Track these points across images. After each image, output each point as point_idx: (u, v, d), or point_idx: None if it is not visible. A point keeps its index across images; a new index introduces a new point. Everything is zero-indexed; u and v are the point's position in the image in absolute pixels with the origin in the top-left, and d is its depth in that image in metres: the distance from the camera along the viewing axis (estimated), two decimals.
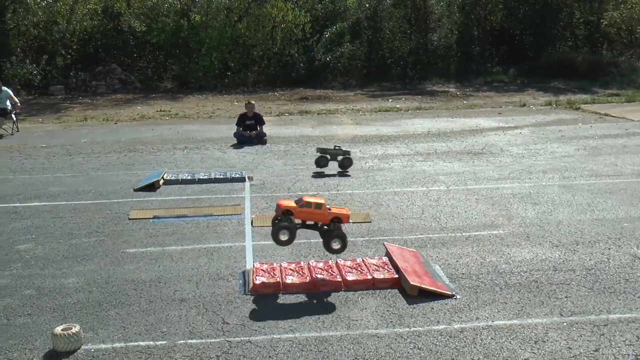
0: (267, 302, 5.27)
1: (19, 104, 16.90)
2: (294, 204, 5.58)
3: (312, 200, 5.60)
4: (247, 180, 9.77)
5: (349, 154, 10.58)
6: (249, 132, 13.56)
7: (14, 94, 16.77)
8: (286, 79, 27.66)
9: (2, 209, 8.45)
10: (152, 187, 9.34)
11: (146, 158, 12.00)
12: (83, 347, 4.58)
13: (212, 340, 4.65)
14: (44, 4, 30.18)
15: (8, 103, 16.02)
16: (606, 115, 17.33)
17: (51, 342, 4.57)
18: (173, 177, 9.86)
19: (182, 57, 28.39)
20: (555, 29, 32.44)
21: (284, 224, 5.53)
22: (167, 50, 29.21)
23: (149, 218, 7.79)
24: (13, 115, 16.18)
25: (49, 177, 10.48)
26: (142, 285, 5.68)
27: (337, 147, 10.67)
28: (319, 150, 10.61)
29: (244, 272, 5.92)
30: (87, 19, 29.75)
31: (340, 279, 5.57)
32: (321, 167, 10.43)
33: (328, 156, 10.49)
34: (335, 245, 5.58)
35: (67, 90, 26.24)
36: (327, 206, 5.63)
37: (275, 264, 5.92)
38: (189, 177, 9.84)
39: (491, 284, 5.61)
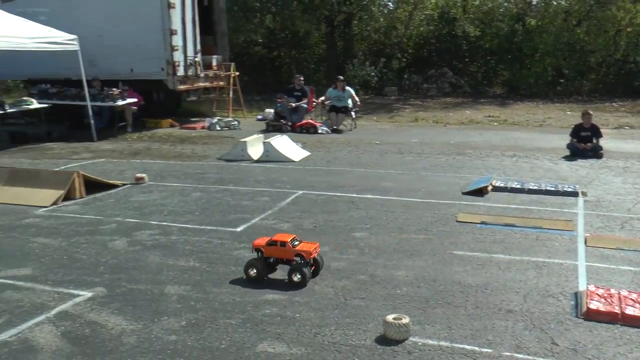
0: (602, 331, 4.87)
1: (358, 103, 18.35)
2: (264, 243, 6.10)
3: (278, 239, 6.08)
4: (580, 195, 9.20)
5: None
6: (584, 145, 12.74)
7: (355, 94, 18.24)
8: (627, 89, 25.41)
9: (342, 198, 9.23)
10: (480, 192, 9.34)
11: (474, 162, 12.06)
12: (411, 338, 4.76)
13: (540, 359, 4.47)
14: (385, 11, 32.33)
15: (350, 102, 17.51)
16: None
17: (382, 328, 4.83)
18: (501, 184, 9.72)
19: (514, 62, 27.94)
20: None
21: (252, 260, 6.06)
22: (498, 55, 29.03)
23: (477, 223, 7.80)
24: (353, 113, 17.61)
25: (381, 173, 11.15)
26: (468, 289, 5.70)
27: None
28: None
29: (576, 294, 5.57)
30: (424, 24, 31.03)
31: None
32: None
33: None
34: (295, 278, 5.88)
35: (399, 91, 27.76)
36: (296, 242, 6.04)
37: (612, 291, 5.45)
38: (518, 186, 9.60)
39: None
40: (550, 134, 15.75)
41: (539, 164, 11.88)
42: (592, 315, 5.08)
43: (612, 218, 8.08)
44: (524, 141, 14.77)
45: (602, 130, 13.49)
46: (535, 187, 9.52)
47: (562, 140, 13.49)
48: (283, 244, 6.02)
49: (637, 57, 26.02)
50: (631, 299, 5.27)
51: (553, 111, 21.26)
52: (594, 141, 12.80)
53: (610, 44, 26.71)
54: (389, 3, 32.73)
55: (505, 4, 30.70)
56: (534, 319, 5.10)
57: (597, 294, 5.39)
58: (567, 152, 12.82)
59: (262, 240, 6.18)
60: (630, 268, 6.26)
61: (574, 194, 9.23)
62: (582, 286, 5.73)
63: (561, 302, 5.41)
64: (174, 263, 6.51)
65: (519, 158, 12.52)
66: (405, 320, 4.82)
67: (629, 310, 5.06)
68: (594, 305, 5.17)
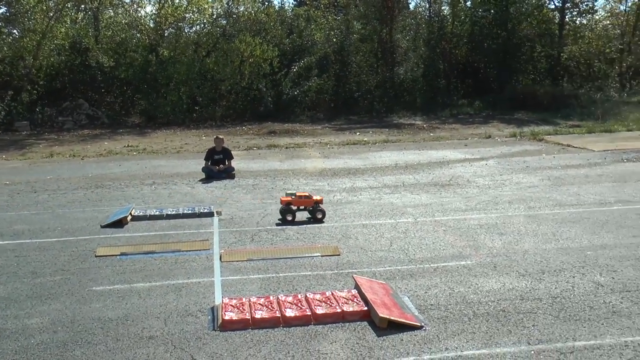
0: (237, 338, 5.23)
1: None
2: (290, 198, 9.34)
3: (302, 193, 9.53)
4: (215, 215, 9.74)
5: None
6: (218, 167, 13.54)
7: None
8: (254, 113, 27.82)
9: None
10: (119, 224, 9.24)
11: (114, 194, 11.90)
12: None
13: None
14: (9, 39, 29.96)
15: None
16: (568, 146, 17.71)
17: None
18: (141, 213, 9.78)
19: (150, 92, 28.35)
20: (518, 62, 33.30)
21: (288, 208, 9.23)
22: (135, 85, 29.17)
23: (117, 255, 7.70)
24: None
25: (12, 215, 10.31)
26: (109, 324, 5.59)
27: None
28: None
29: (212, 308, 5.87)
30: (55, 55, 29.57)
31: (309, 313, 5.57)
32: None
33: None
34: (319, 215, 9.26)
35: (32, 126, 25.96)
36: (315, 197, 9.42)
37: (244, 299, 5.89)
38: (157, 213, 9.77)
39: (460, 315, 5.66)
40: (188, 160, 16.36)
41: (178, 189, 12.25)
42: (227, 325, 5.41)
43: (244, 232, 8.73)
44: (163, 168, 15.08)
45: (234, 152, 14.53)
46: (173, 212, 9.79)
47: (199, 164, 14.13)
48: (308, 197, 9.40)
49: (259, 84, 28.61)
50: (259, 303, 5.76)
51: (190, 137, 22.14)
52: (227, 163, 13.68)
53: (237, 73, 28.88)
54: (14, 31, 30.39)
55: (138, 34, 31.01)
56: (174, 340, 5.23)
57: (231, 305, 5.76)
58: (203, 176, 13.47)
59: (288, 197, 9.41)
60: (259, 276, 6.84)
61: (210, 215, 9.74)
62: (217, 300, 6.07)
63: (199, 319, 5.65)
64: None
65: (158, 185, 12.74)
66: None
67: (258, 314, 5.52)
68: (228, 315, 5.52)
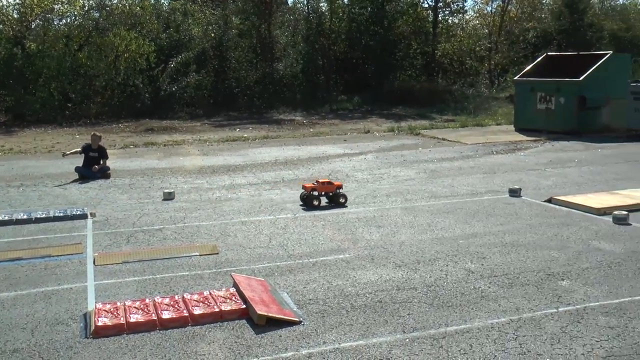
0: (111, 345, 5.04)
1: None
2: (313, 185, 9.94)
3: (324, 180, 10.14)
4: (89, 217, 9.34)
5: None
6: (93, 167, 12.95)
7: None
8: (131, 110, 26.89)
9: None
10: None
11: None
12: None
13: None
14: None
15: None
16: (443, 139, 18.51)
17: None
18: (6, 218, 9.20)
19: (17, 87, 26.65)
20: (395, 59, 34.33)
21: (312, 194, 9.75)
22: None
23: None
24: None
25: None
26: None
27: None
28: None
29: (85, 315, 5.63)
30: None
31: (187, 314, 5.47)
32: None
33: None
34: (341, 200, 9.87)
35: None
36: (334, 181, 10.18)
37: (119, 303, 5.69)
38: (25, 217, 9.23)
39: (338, 307, 5.76)
40: (60, 160, 15.45)
41: (48, 191, 11.64)
42: (101, 332, 5.21)
43: (119, 234, 8.44)
44: (32, 169, 14.27)
45: (109, 151, 14.01)
46: (43, 216, 9.29)
47: (72, 164, 13.50)
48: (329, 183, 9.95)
49: (136, 80, 27.74)
50: (135, 307, 5.59)
51: (62, 136, 21.09)
52: (101, 162, 13.15)
53: (112, 68, 27.82)
54: None
55: (0, 26, 29.12)
56: (42, 351, 4.96)
57: (104, 310, 5.55)
58: (77, 176, 12.87)
59: (310, 184, 9.98)
60: (135, 278, 6.64)
61: (83, 217, 9.34)
62: (90, 306, 5.82)
63: (71, 327, 5.40)
64: None
65: (26, 187, 12.04)
66: None
67: (133, 318, 5.35)
68: (102, 321, 5.31)
